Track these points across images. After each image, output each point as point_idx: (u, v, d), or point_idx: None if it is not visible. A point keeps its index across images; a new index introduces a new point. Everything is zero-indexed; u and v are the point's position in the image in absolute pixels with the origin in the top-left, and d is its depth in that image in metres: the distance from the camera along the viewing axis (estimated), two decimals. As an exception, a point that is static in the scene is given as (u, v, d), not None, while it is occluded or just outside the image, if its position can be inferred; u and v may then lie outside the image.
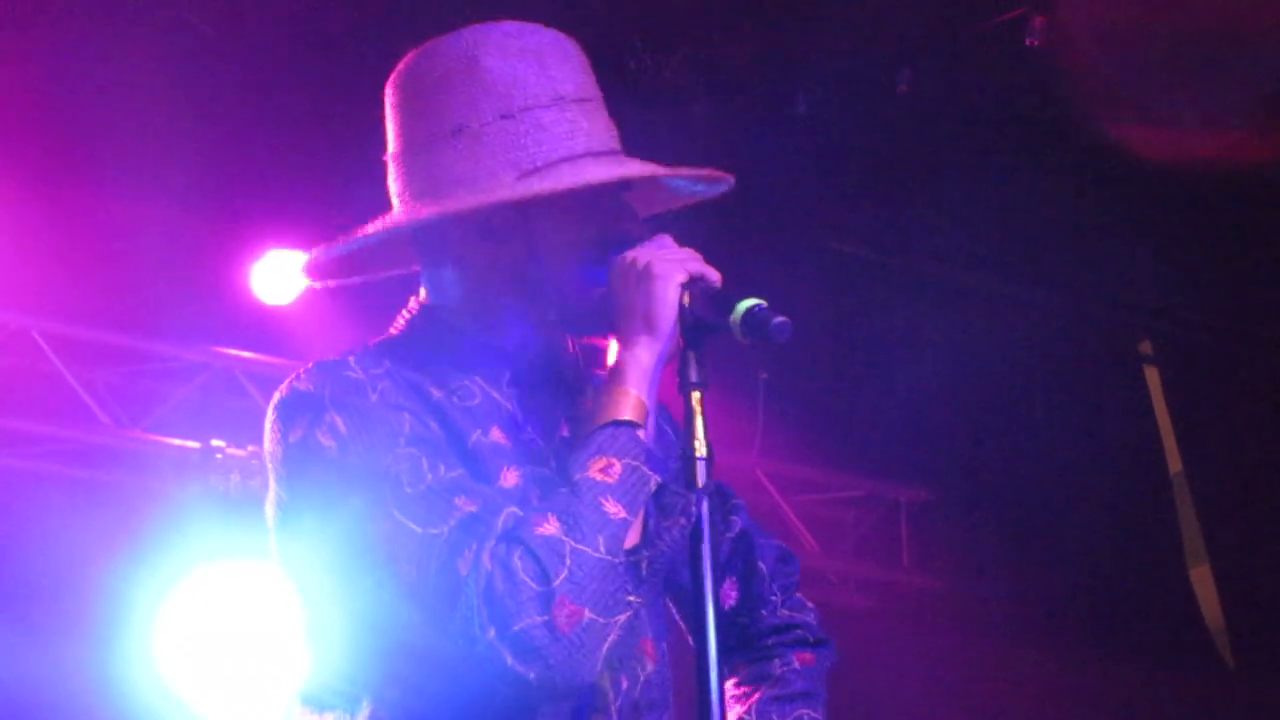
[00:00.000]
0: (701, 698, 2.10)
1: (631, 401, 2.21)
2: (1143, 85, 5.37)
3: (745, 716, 2.54)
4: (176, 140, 5.47)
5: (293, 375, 2.28)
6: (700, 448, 2.17)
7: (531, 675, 2.08)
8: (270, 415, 2.26)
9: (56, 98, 5.41)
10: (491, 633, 2.06)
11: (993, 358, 6.76)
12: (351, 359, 2.28)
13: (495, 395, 2.33)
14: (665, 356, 2.24)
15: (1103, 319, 6.85)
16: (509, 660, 2.07)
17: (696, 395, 2.19)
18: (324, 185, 5.95)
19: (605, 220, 2.35)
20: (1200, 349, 6.94)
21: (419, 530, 2.11)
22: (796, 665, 2.58)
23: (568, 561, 2.08)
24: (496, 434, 2.29)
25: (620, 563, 2.12)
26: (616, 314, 2.26)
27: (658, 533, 2.16)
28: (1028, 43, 5.17)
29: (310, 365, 2.28)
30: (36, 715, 5.89)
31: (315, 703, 2.31)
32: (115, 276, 5.89)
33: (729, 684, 2.59)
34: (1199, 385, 7.05)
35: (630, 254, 2.28)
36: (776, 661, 2.58)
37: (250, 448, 6.18)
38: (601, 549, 2.10)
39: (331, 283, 2.58)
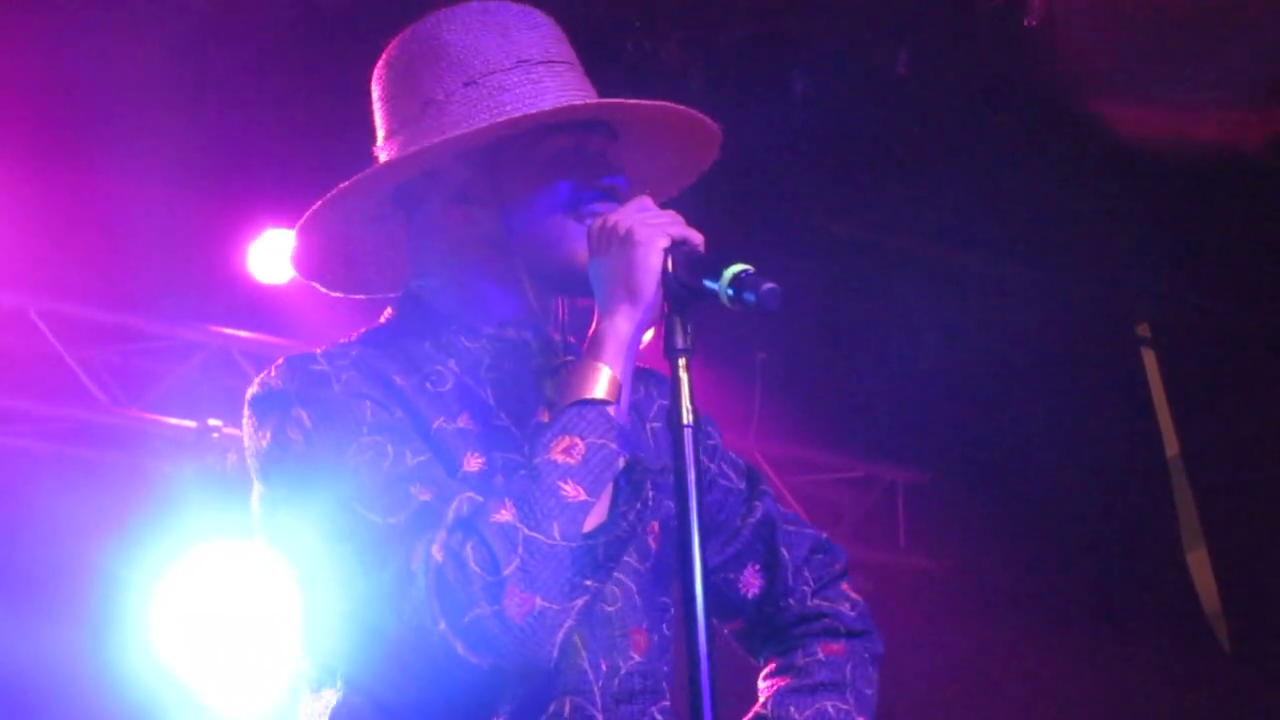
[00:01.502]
0: (692, 677, 2.08)
1: (603, 377, 2.18)
2: (1140, 67, 5.37)
3: (762, 710, 2.52)
4: (173, 119, 5.47)
5: (265, 371, 2.31)
6: (686, 415, 2.11)
7: (485, 665, 2.08)
8: (245, 412, 2.30)
9: (52, 77, 5.42)
10: (442, 624, 2.07)
11: (990, 340, 6.77)
12: (319, 352, 2.30)
13: (469, 381, 2.33)
14: (647, 324, 2.21)
15: (1100, 301, 6.86)
16: (461, 650, 2.07)
17: (682, 361, 2.14)
18: (321, 164, 5.93)
19: (580, 176, 2.34)
20: (1198, 332, 6.95)
21: (379, 521, 2.12)
22: (821, 656, 2.53)
23: (520, 550, 2.07)
24: (465, 420, 2.28)
25: (576, 548, 2.09)
26: (596, 280, 2.24)
27: (615, 516, 2.14)
28: (1026, 23, 5.16)
29: (281, 361, 2.31)
30: (33, 696, 5.91)
31: (311, 681, 2.34)
32: (112, 255, 5.89)
33: (760, 676, 2.58)
34: (1196, 368, 7.06)
35: (611, 217, 2.24)
36: (799, 652, 2.55)
37: (247, 427, 6.19)
38: (556, 535, 2.08)
39: (337, 292, 2.59)
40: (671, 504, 2.29)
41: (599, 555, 2.12)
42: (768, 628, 2.59)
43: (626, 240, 2.20)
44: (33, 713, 5.92)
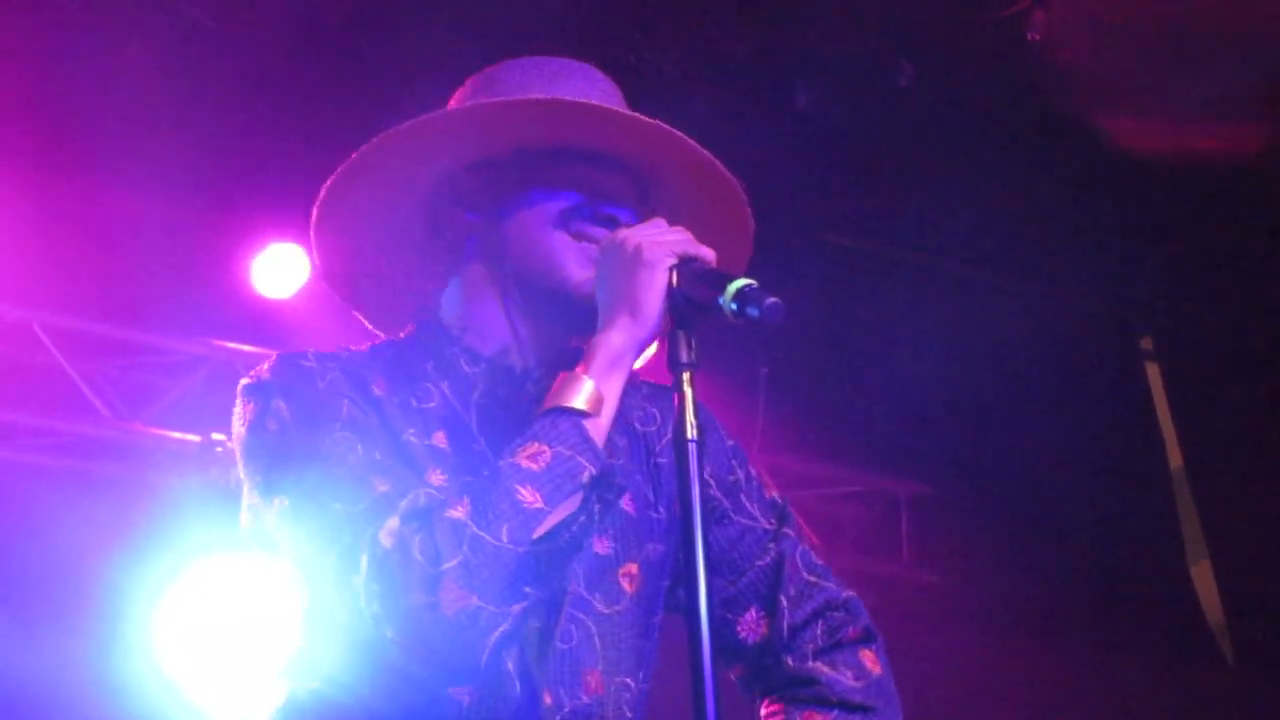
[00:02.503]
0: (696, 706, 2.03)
1: (584, 389, 2.17)
2: (1142, 79, 5.38)
3: None
4: (176, 133, 5.48)
5: (259, 365, 2.35)
6: (690, 430, 2.09)
7: (413, 654, 2.09)
8: (235, 402, 2.34)
9: (56, 91, 5.42)
10: (377, 606, 2.07)
11: (993, 353, 6.77)
12: (310, 351, 2.33)
13: (455, 403, 2.33)
14: (647, 341, 2.20)
15: (1103, 314, 6.86)
16: (390, 635, 2.08)
17: (687, 375, 2.12)
18: (324, 177, 5.95)
19: (582, 199, 2.34)
20: (1202, 345, 6.95)
21: (339, 508, 2.14)
22: None
23: (464, 546, 2.06)
24: (439, 439, 2.29)
25: (521, 552, 2.07)
26: (601, 295, 2.23)
27: (558, 526, 2.11)
28: (1028, 37, 5.17)
29: (274, 355, 2.35)
30: (37, 709, 5.91)
31: (287, 673, 2.36)
32: (115, 269, 5.90)
33: None
34: (1200, 381, 7.05)
35: (621, 233, 2.25)
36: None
37: (250, 441, 6.20)
38: (504, 537, 2.07)
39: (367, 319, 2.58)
40: (655, 546, 2.31)
41: (541, 564, 2.09)
42: (764, 681, 2.50)
43: (634, 256, 2.19)
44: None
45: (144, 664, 6.06)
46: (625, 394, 2.26)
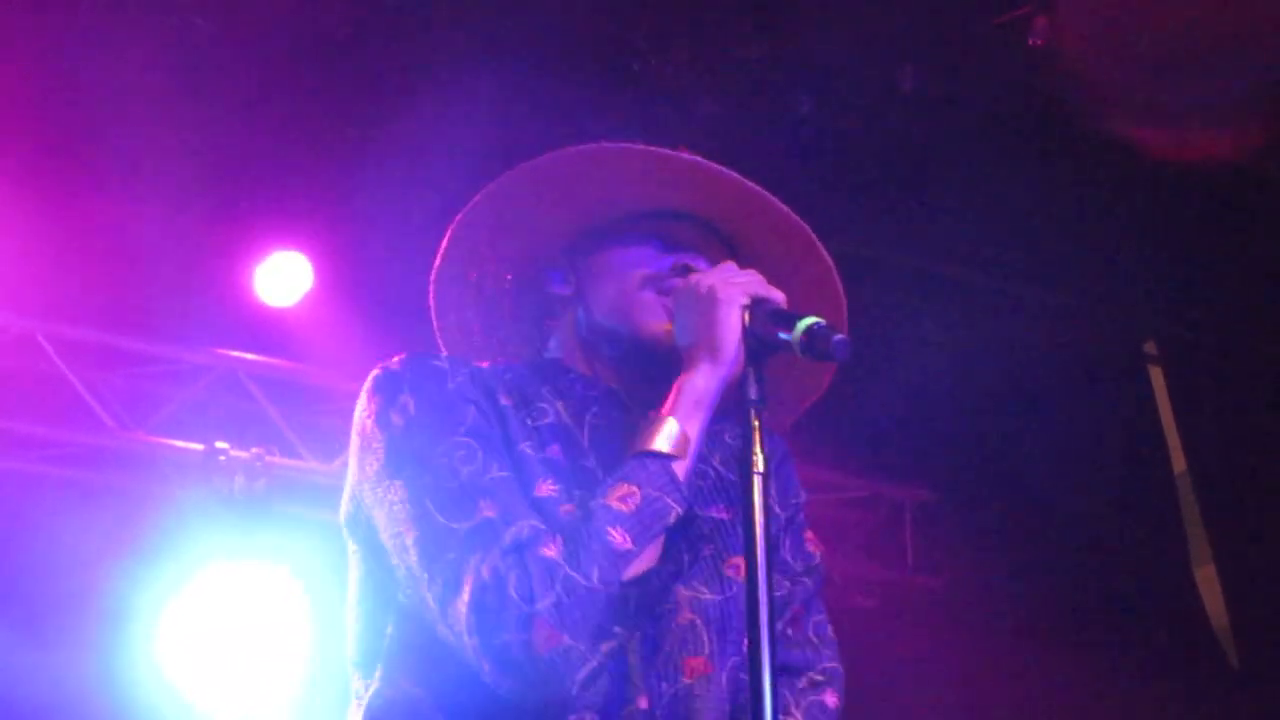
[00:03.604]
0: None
1: (670, 432, 2.24)
2: (1146, 84, 5.38)
3: None
4: (180, 143, 5.49)
5: (390, 359, 2.39)
6: (759, 463, 2.16)
7: (505, 687, 2.16)
8: (361, 391, 2.36)
9: (60, 101, 5.44)
10: (476, 640, 2.14)
11: (996, 358, 6.78)
12: (444, 352, 2.42)
13: (569, 421, 2.39)
14: (728, 379, 2.26)
15: (1106, 319, 6.86)
16: (486, 669, 2.15)
17: (754, 411, 2.20)
18: (327, 187, 5.97)
19: (656, 252, 2.42)
20: (1205, 349, 6.95)
21: (443, 522, 2.20)
22: None
23: (557, 587, 2.13)
24: (553, 450, 2.35)
25: (611, 594, 2.15)
26: (681, 339, 2.30)
27: (651, 573, 2.19)
28: (1030, 43, 5.18)
29: (406, 353, 2.39)
30: (41, 714, 5.91)
31: (356, 666, 2.40)
32: (119, 279, 5.90)
33: None
34: (1204, 385, 7.06)
35: (694, 278, 2.33)
36: None
37: (254, 449, 6.20)
38: (595, 579, 2.14)
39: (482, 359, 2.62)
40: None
41: (631, 604, 2.18)
42: None
43: (709, 299, 2.27)
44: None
45: (148, 673, 6.07)
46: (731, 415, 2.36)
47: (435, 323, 2.60)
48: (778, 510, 2.54)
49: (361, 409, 2.35)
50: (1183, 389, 7.09)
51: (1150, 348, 7.10)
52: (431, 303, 2.59)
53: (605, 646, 2.17)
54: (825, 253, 2.49)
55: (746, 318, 2.26)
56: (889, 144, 5.79)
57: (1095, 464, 7.14)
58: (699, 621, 2.35)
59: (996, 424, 7.02)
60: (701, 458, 2.37)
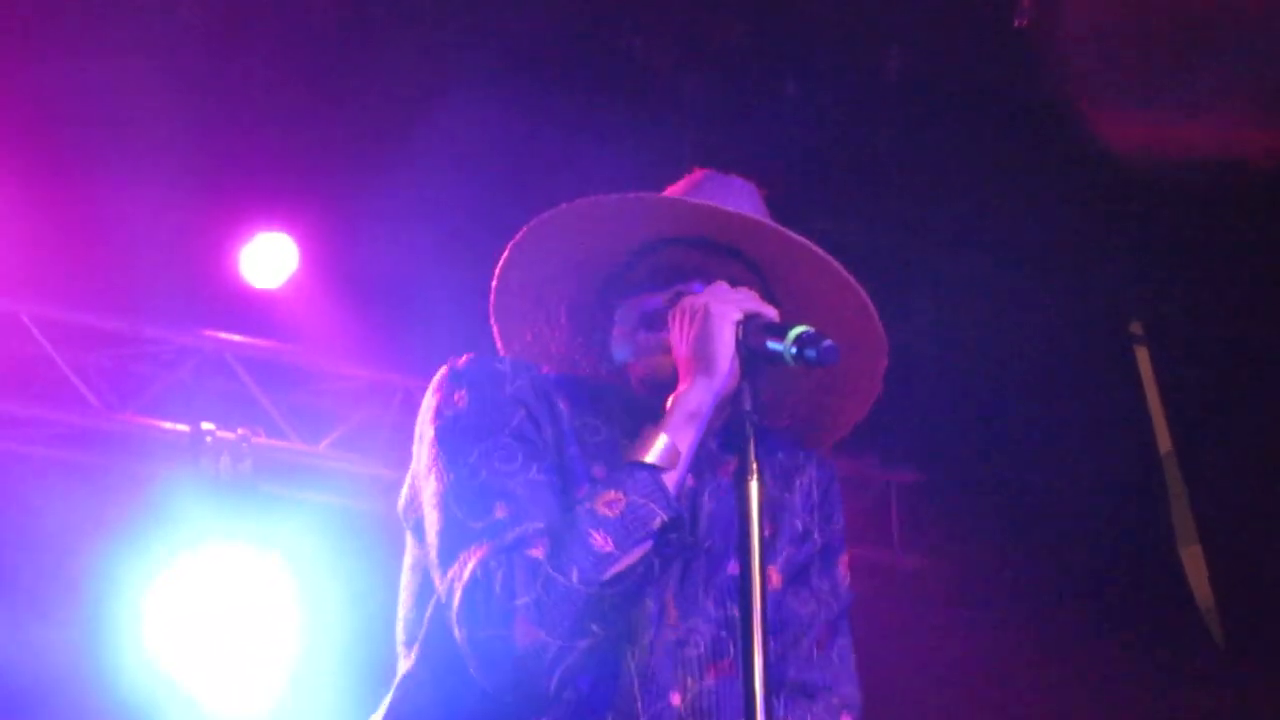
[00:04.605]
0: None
1: (661, 445, 2.32)
2: (1130, 75, 5.40)
3: None
4: (165, 127, 5.50)
5: (457, 358, 2.49)
6: (753, 470, 2.24)
7: (488, 680, 2.26)
8: (429, 386, 2.49)
9: (47, 88, 5.44)
10: (463, 633, 2.25)
11: (983, 341, 6.80)
12: (508, 357, 2.50)
13: (621, 441, 2.46)
14: (722, 394, 2.34)
15: (1093, 300, 6.88)
16: (471, 661, 2.26)
17: (748, 423, 2.28)
18: (312, 168, 5.98)
19: (666, 282, 2.49)
20: (1191, 329, 6.97)
21: (460, 518, 2.32)
22: None
23: (538, 585, 2.22)
24: (597, 471, 2.43)
25: (589, 593, 2.23)
26: (678, 357, 2.37)
27: (626, 572, 2.25)
28: (1015, 24, 5.18)
29: (476, 355, 2.49)
30: (28, 694, 5.94)
31: (404, 643, 2.51)
32: (105, 261, 5.92)
33: None
34: (1190, 366, 7.08)
35: (687, 300, 2.40)
36: None
37: (240, 430, 6.22)
38: (574, 579, 2.22)
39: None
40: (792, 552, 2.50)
41: (608, 605, 2.25)
42: None
43: (702, 316, 2.35)
44: (28, 711, 5.95)
45: (134, 650, 6.10)
46: (773, 440, 2.51)
47: (501, 347, 2.68)
48: (816, 535, 2.61)
49: (424, 403, 2.46)
50: (1168, 369, 7.11)
51: (1136, 328, 7.11)
52: (496, 336, 2.67)
53: (583, 644, 2.24)
54: (850, 276, 2.53)
55: (740, 333, 2.33)
56: (875, 128, 5.80)
57: (1082, 445, 7.16)
58: (724, 631, 2.45)
59: (983, 406, 7.04)
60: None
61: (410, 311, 6.18)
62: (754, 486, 2.23)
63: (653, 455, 2.31)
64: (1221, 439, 7.17)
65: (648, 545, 2.28)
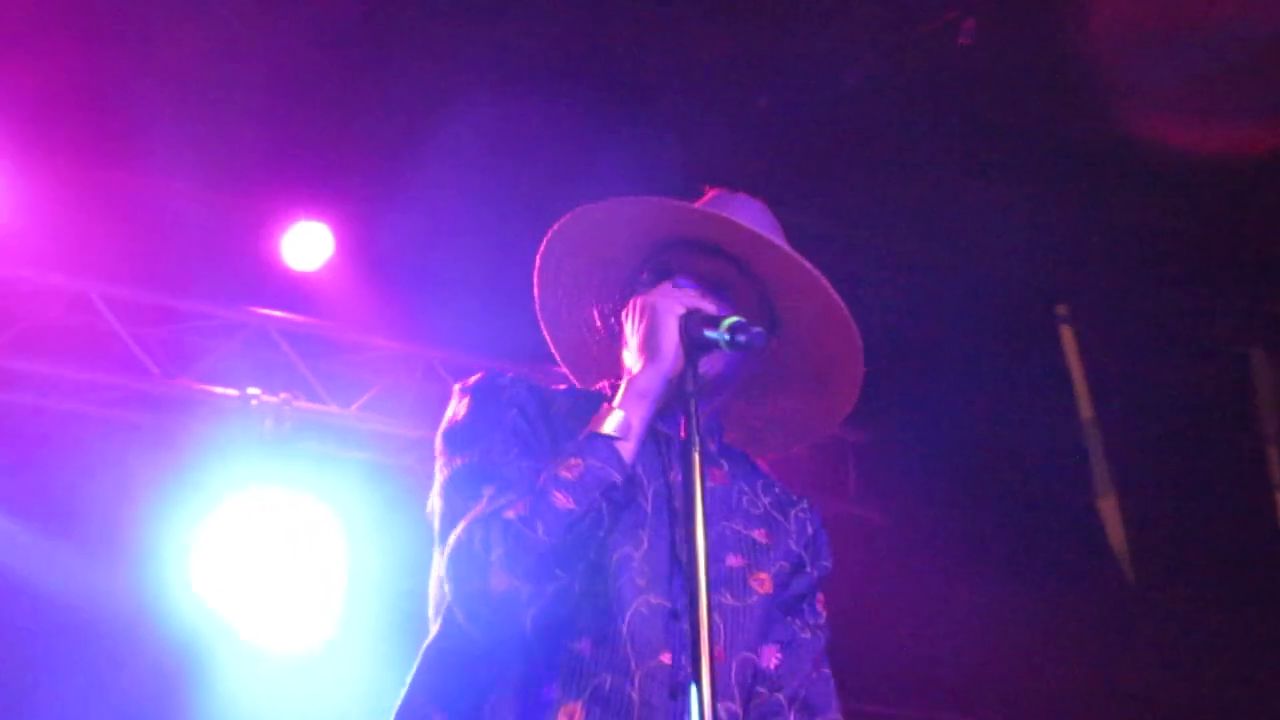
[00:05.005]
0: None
1: (616, 418, 2.39)
2: (1061, 84, 5.40)
3: None
4: (217, 128, 5.51)
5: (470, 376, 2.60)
6: (695, 441, 2.31)
7: (474, 629, 2.33)
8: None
9: (113, 90, 5.44)
10: (451, 588, 2.33)
11: (930, 320, 6.80)
12: (509, 373, 2.56)
13: None
14: (667, 375, 2.41)
15: (1025, 285, 6.88)
16: (459, 613, 2.34)
17: (692, 402, 2.36)
18: (344, 167, 5.98)
19: (658, 284, 2.55)
20: (1109, 311, 6.98)
21: (457, 500, 2.39)
22: None
23: (509, 539, 2.28)
24: None
25: (552, 543, 2.29)
26: (630, 344, 2.47)
27: (575, 522, 2.32)
28: (959, 42, 5.17)
29: (485, 371, 2.60)
30: (93, 626, 5.95)
31: (433, 617, 2.55)
32: (164, 246, 5.95)
33: None
34: (1108, 342, 7.09)
35: (639, 298, 2.49)
36: None
37: (282, 395, 6.24)
38: (540, 532, 2.29)
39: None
40: (780, 564, 2.57)
41: (565, 552, 2.31)
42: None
43: (648, 310, 2.45)
44: (94, 642, 5.97)
45: (185, 588, 6.11)
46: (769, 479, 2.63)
47: (555, 351, 2.76)
48: (809, 569, 2.64)
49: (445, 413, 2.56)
50: (1090, 346, 7.13)
51: (1062, 310, 7.13)
52: (551, 346, 2.75)
53: (550, 588, 2.30)
54: (820, 275, 2.58)
55: (682, 324, 2.40)
56: (836, 131, 5.79)
57: (1014, 410, 7.19)
58: (718, 618, 2.48)
59: (931, 377, 7.05)
60: (754, 496, 2.61)
61: (431, 291, 6.21)
62: (696, 457, 2.29)
63: (608, 427, 2.37)
64: (1135, 406, 7.20)
65: (600, 501, 2.33)
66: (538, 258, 2.65)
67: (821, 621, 2.65)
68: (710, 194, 2.67)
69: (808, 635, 2.60)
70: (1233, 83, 5.23)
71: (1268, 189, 5.99)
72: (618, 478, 2.35)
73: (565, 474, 2.33)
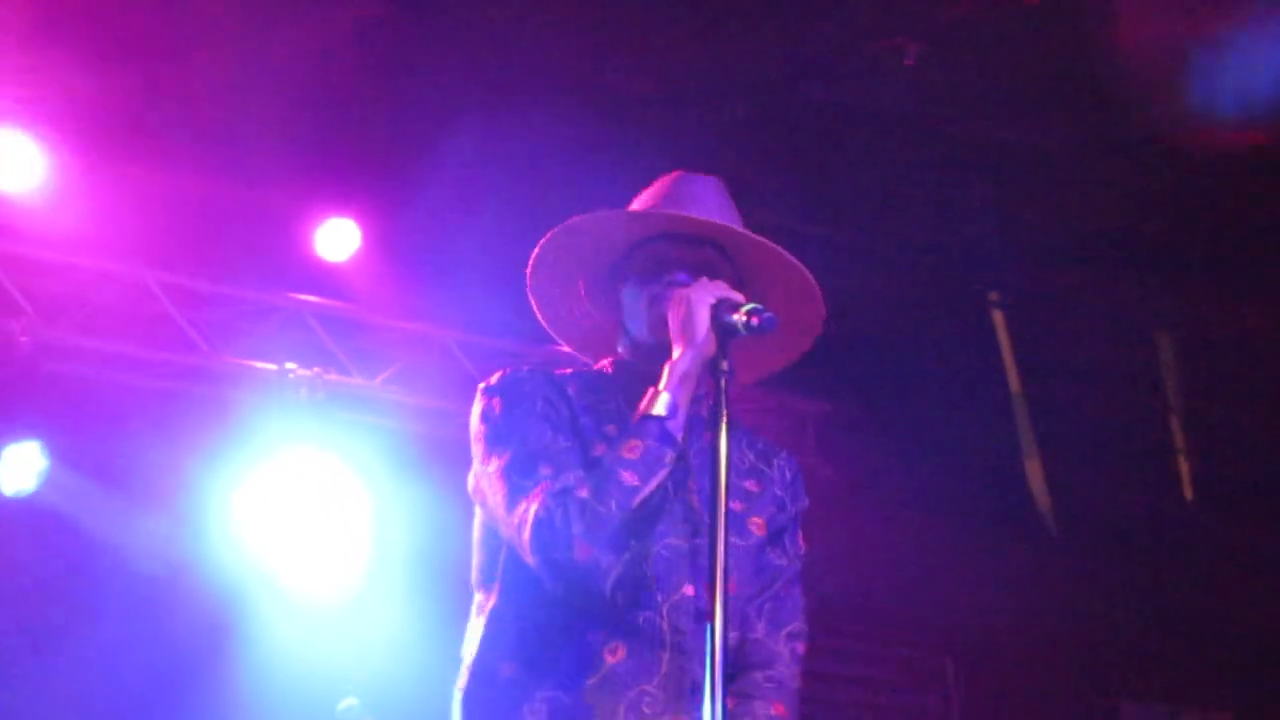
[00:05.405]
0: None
1: (664, 400, 2.47)
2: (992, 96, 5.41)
3: None
4: (259, 131, 5.50)
5: (492, 374, 2.64)
6: (724, 415, 2.38)
7: (559, 588, 2.42)
8: (475, 399, 2.63)
9: (167, 99, 5.43)
10: (537, 559, 2.42)
11: (878, 305, 6.81)
12: (525, 368, 2.65)
13: (626, 410, 2.59)
14: (703, 358, 2.48)
15: (961, 273, 6.89)
16: (546, 578, 2.43)
17: (723, 380, 2.43)
18: (371, 168, 5.99)
19: (658, 271, 2.63)
20: (1035, 296, 7.00)
21: (517, 480, 2.47)
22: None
23: (587, 516, 2.39)
24: (610, 429, 2.57)
25: (624, 517, 2.40)
26: (672, 334, 2.53)
27: (648, 497, 2.43)
28: (905, 63, 5.20)
29: (504, 370, 2.66)
30: (144, 577, 5.97)
31: (480, 586, 2.62)
32: (213, 238, 5.97)
33: None
34: (1034, 323, 7.11)
35: (678, 290, 2.55)
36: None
37: (315, 369, 6.26)
38: (613, 508, 2.40)
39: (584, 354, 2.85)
40: (772, 511, 2.66)
41: (637, 524, 2.44)
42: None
43: (685, 300, 2.51)
44: (143, 591, 6.00)
45: (227, 537, 6.12)
46: (753, 435, 2.71)
47: (549, 328, 2.80)
48: (789, 506, 2.71)
49: (472, 413, 2.61)
50: (1018, 328, 7.15)
51: (994, 296, 7.15)
52: (537, 311, 2.77)
53: (625, 555, 2.42)
54: (796, 261, 2.64)
55: (713, 313, 2.47)
56: (801, 140, 5.80)
57: (952, 386, 7.23)
58: (730, 557, 2.50)
59: (880, 356, 7.07)
60: (742, 452, 2.66)
61: (447, 278, 6.23)
62: (724, 428, 2.36)
63: (659, 408, 2.45)
64: (1058, 379, 7.23)
65: (663, 475, 2.43)
66: (528, 271, 2.70)
67: (800, 552, 2.73)
68: (674, 175, 2.73)
69: (784, 562, 2.68)
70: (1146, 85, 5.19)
71: (1175, 190, 6.01)
72: (672, 453, 2.44)
73: (628, 455, 2.42)
